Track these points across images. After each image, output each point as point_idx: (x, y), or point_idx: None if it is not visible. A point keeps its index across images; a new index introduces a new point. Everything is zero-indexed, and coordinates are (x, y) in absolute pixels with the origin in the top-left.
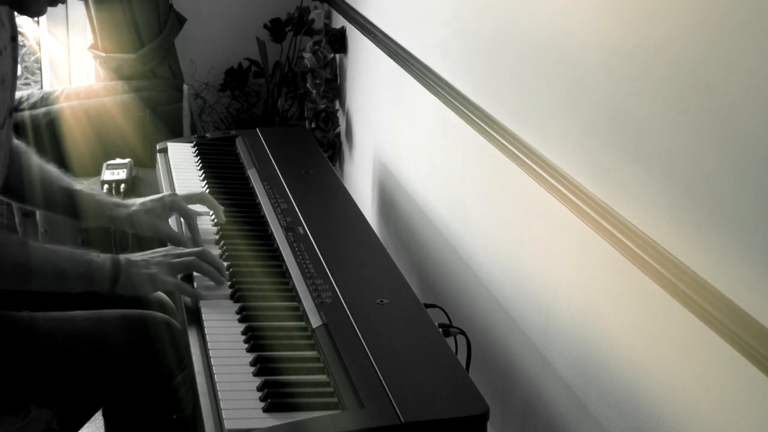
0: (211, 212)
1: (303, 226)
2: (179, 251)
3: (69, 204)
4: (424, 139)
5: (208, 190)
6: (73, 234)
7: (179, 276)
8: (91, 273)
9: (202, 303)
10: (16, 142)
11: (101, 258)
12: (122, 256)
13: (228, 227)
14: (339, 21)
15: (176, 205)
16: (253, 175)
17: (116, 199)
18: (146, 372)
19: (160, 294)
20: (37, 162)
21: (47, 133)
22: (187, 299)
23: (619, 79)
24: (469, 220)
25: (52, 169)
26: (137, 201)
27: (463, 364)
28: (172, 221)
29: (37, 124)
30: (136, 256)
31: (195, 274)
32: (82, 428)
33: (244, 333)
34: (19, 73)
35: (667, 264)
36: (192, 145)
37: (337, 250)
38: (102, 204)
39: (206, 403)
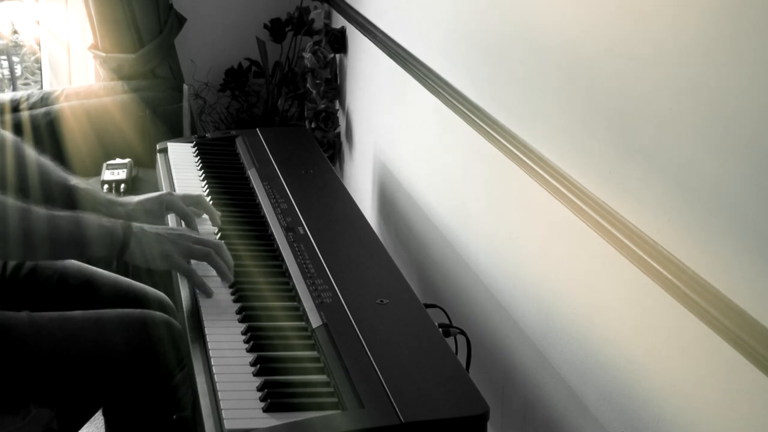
0: (207, 217)
1: (303, 226)
2: (198, 238)
3: (67, 200)
4: (424, 139)
5: (208, 190)
6: None
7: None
8: (100, 236)
9: (202, 303)
10: (7, 134)
11: (112, 222)
12: (135, 224)
13: (228, 227)
14: (339, 21)
15: (173, 205)
16: (253, 175)
17: (113, 197)
18: (146, 372)
19: (160, 294)
20: (33, 155)
21: (47, 133)
22: (188, 301)
23: (620, 79)
24: (469, 220)
25: (48, 163)
26: (134, 199)
27: (463, 364)
28: (172, 220)
29: (37, 124)
30: (150, 228)
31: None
32: (82, 428)
33: (244, 333)
34: (18, 73)
35: (667, 264)
36: (192, 145)
37: (337, 250)
38: (99, 202)
39: (206, 403)
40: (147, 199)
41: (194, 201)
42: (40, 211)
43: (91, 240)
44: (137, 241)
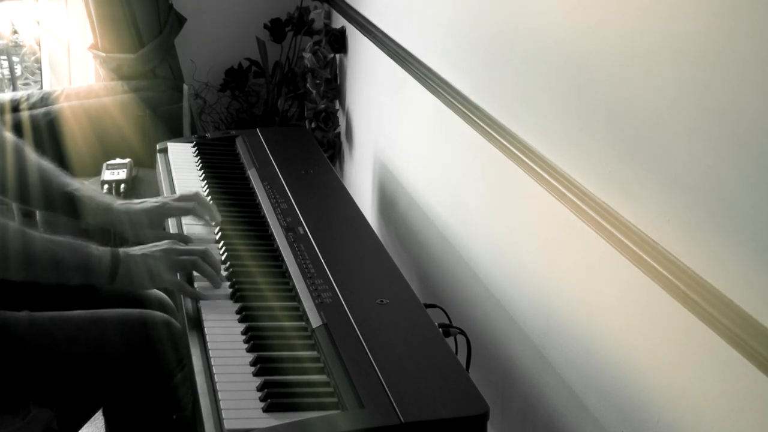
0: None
1: (303, 226)
2: (182, 248)
3: (68, 206)
4: (424, 139)
5: (208, 190)
6: (73, 235)
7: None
8: (89, 265)
9: (202, 303)
10: (8, 135)
11: (100, 251)
12: (122, 250)
13: (228, 227)
14: (339, 21)
15: (171, 209)
16: (253, 175)
17: (113, 202)
18: (146, 372)
19: (160, 294)
20: (33, 158)
21: (47, 133)
22: (187, 301)
23: (620, 79)
24: (469, 220)
25: (49, 166)
26: (134, 203)
27: (463, 364)
28: (172, 221)
29: (36, 124)
30: (136, 250)
31: (195, 273)
32: (82, 428)
33: (244, 333)
34: (18, 73)
35: (667, 264)
36: (192, 145)
37: (337, 250)
38: (101, 207)
39: (206, 403)
40: (146, 204)
41: (191, 198)
42: (37, 234)
43: (84, 266)
44: (125, 269)
